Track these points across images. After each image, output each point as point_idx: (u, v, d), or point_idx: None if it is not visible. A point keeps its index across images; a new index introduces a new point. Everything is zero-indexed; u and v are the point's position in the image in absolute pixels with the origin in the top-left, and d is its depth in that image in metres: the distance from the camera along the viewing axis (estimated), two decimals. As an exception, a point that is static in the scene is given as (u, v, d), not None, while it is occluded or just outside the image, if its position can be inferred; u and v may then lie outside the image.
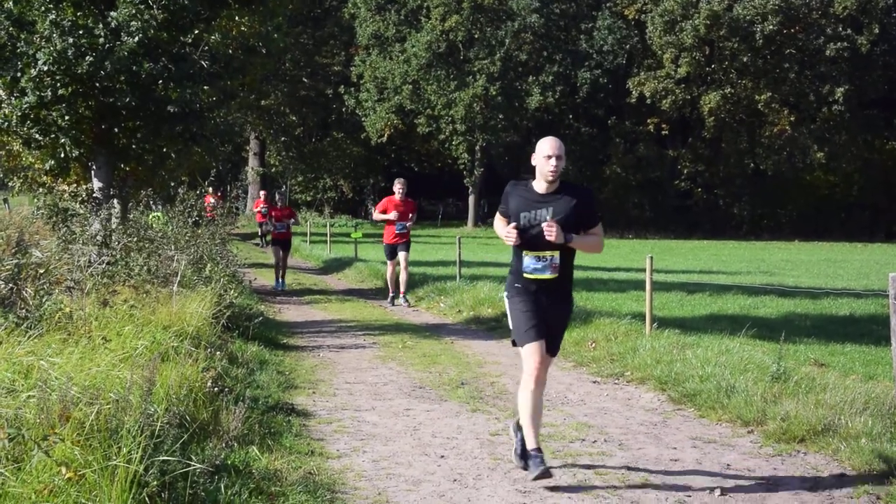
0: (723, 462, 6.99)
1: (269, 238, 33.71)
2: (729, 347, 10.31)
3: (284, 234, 21.61)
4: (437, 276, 19.97)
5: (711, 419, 8.27)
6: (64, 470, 4.71)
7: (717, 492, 6.26)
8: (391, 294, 17.70)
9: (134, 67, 13.68)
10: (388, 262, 17.77)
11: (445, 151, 53.58)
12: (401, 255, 17.34)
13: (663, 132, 54.76)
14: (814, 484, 6.46)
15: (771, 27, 50.12)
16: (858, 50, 50.74)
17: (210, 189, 32.51)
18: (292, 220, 21.77)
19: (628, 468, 6.79)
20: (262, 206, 34.36)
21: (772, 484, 6.47)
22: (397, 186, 17.34)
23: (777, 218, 53.45)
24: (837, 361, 10.54)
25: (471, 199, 54.01)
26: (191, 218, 15.13)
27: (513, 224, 6.52)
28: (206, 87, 15.21)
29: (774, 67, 51.68)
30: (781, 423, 7.59)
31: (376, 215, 17.64)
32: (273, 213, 22.16)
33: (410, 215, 17.51)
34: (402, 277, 17.46)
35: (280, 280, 21.18)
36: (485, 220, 53.56)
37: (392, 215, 17.15)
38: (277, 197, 22.76)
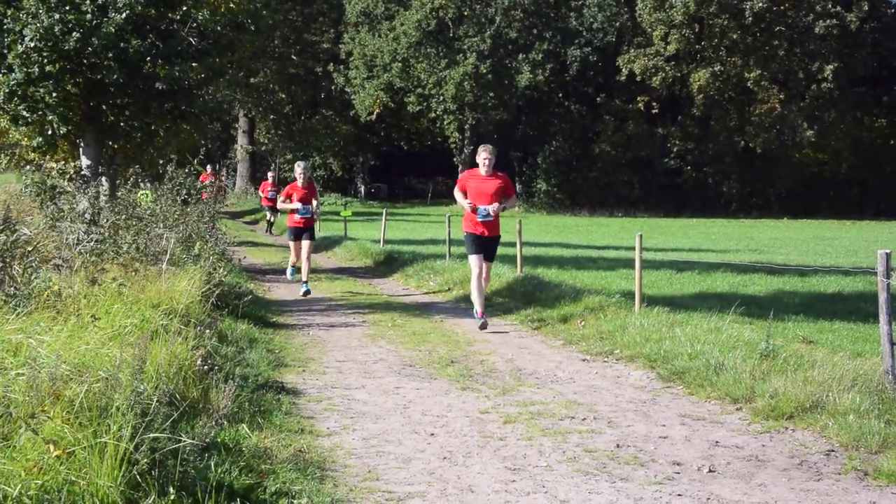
0: (711, 439, 7.02)
1: (272, 221, 32.62)
2: (718, 325, 10.32)
3: (308, 221, 16.11)
4: (426, 255, 19.98)
5: (700, 396, 8.30)
6: (53, 448, 4.70)
7: (706, 469, 6.30)
8: (477, 309, 12.26)
9: (122, 44, 13.62)
10: (473, 264, 12.22)
11: (435, 130, 53.41)
12: (484, 266, 12.32)
13: (653, 110, 54.70)
14: (802, 460, 6.50)
15: (760, 4, 50.03)
16: (848, 27, 50.75)
17: (208, 167, 31.46)
18: (315, 203, 16.13)
19: (617, 445, 6.81)
20: (269, 190, 31.02)
21: (760, 461, 6.50)
22: (482, 156, 12.07)
23: (766, 196, 53.49)
24: (826, 339, 10.58)
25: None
26: (179, 196, 15.05)
27: None
28: (194, 64, 15.14)
29: (764, 45, 51.63)
30: (770, 400, 7.62)
31: (457, 195, 12.50)
32: (294, 193, 15.97)
33: (504, 199, 12.17)
34: (481, 289, 12.30)
35: (293, 268, 16.95)
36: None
37: (466, 204, 12.16)
38: (299, 170, 15.95)
